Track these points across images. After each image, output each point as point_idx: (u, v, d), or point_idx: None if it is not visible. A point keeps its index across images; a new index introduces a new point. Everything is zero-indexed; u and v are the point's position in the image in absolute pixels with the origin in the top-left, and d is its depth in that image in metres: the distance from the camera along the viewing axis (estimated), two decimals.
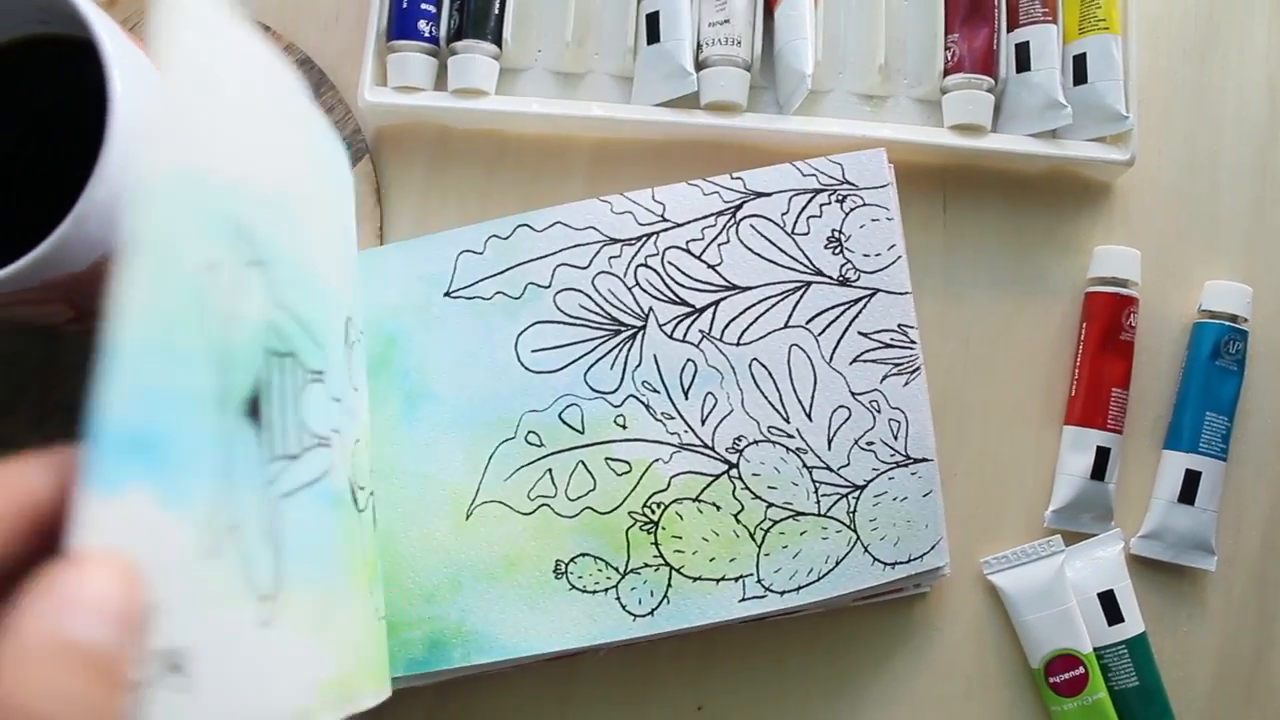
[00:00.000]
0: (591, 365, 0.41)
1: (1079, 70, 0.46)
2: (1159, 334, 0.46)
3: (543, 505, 0.40)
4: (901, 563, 0.40)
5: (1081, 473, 0.44)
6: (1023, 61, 0.46)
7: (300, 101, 0.33)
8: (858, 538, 0.40)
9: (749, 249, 0.41)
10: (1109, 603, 0.42)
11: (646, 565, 0.40)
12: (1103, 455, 0.44)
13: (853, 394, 0.40)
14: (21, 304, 0.35)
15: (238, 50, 0.28)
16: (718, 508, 0.40)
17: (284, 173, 0.31)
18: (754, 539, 0.40)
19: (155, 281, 0.23)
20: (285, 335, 0.29)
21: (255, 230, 0.28)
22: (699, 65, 0.45)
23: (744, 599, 0.39)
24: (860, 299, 0.41)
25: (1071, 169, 0.46)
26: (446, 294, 0.42)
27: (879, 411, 0.40)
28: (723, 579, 0.40)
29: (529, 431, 0.41)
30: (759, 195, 0.41)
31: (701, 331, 0.41)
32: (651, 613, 0.39)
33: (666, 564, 0.40)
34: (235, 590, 0.25)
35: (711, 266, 0.41)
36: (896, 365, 0.41)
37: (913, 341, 0.41)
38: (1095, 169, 0.46)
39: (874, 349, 0.41)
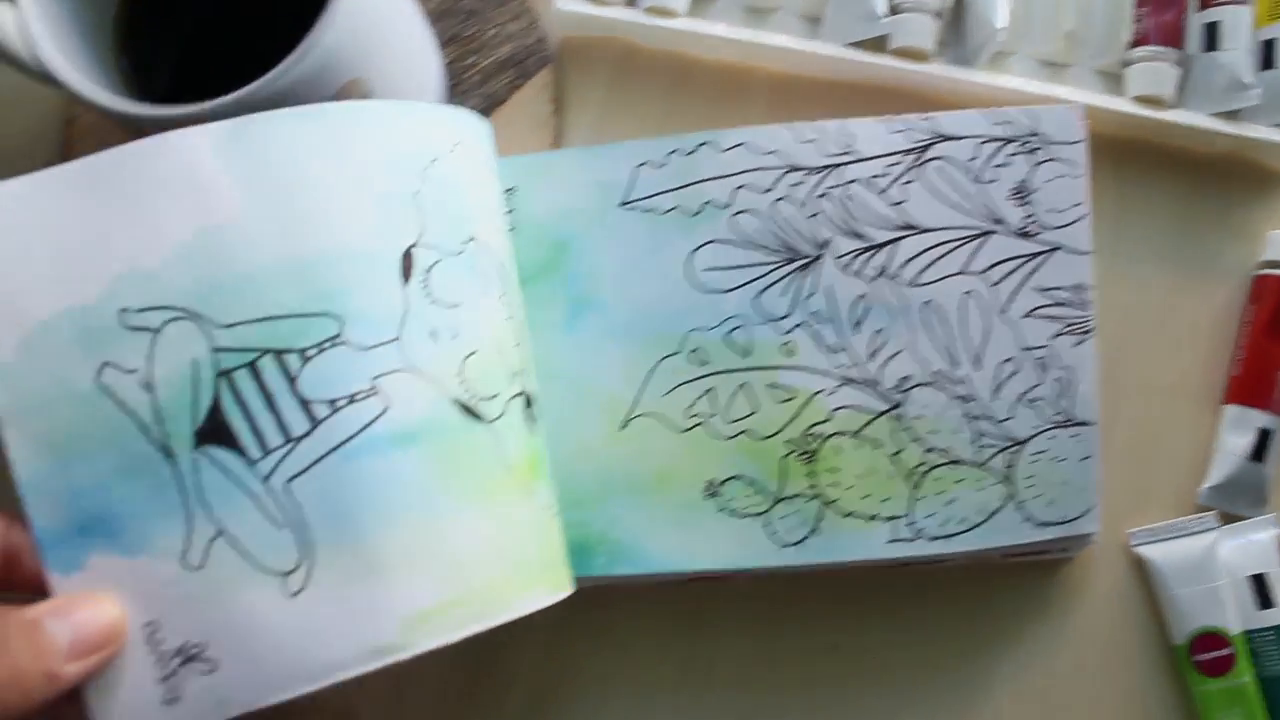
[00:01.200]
0: (763, 290, 0.39)
1: (1267, 56, 0.44)
2: None
3: (699, 424, 0.39)
4: (1053, 524, 0.38)
5: (1241, 453, 0.42)
6: (1211, 41, 0.44)
7: None
8: (1013, 493, 0.38)
9: (933, 191, 0.40)
10: (1260, 587, 0.41)
11: (799, 495, 0.38)
12: (1264, 437, 0.42)
13: (1022, 348, 0.39)
14: None
15: None
16: (877, 445, 0.39)
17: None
18: (909, 482, 0.38)
19: (30, 429, 0.31)
20: (244, 344, 0.31)
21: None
22: (891, 10, 0.44)
23: (893, 540, 0.38)
24: (1040, 254, 0.39)
25: (1250, 153, 0.45)
26: (622, 204, 0.40)
27: (1047, 369, 0.39)
28: (874, 518, 0.38)
29: (693, 349, 0.39)
30: (947, 138, 0.40)
31: (878, 268, 0.39)
32: (800, 543, 0.38)
33: (819, 496, 0.38)
34: (242, 581, 0.31)
35: (894, 204, 0.40)
36: (1070, 324, 0.39)
37: (1088, 302, 0.39)
38: (1274, 154, 0.45)
39: (1048, 305, 0.39)
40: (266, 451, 0.31)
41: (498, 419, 0.35)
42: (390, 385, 0.32)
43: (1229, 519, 0.42)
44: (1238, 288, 0.44)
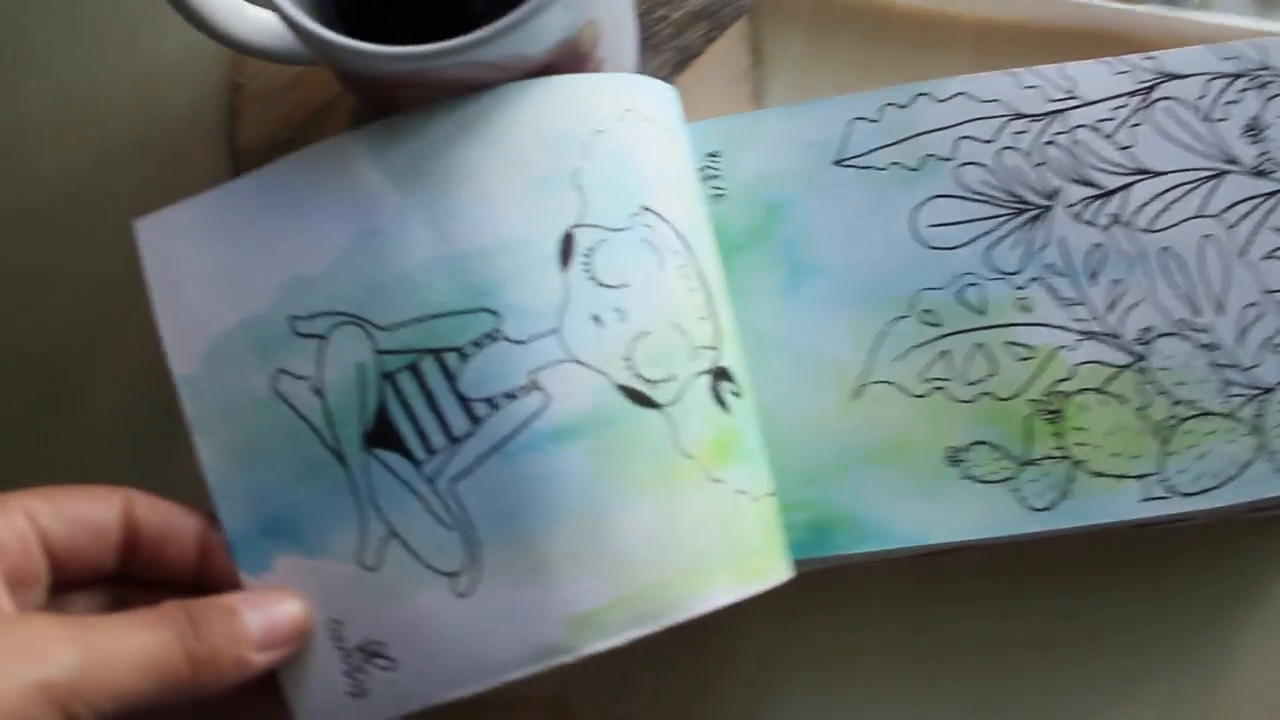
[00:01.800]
0: (994, 244, 0.37)
1: None
2: None
3: (937, 388, 0.37)
4: None
5: None
6: None
7: None
8: (1264, 444, 0.36)
9: (1162, 132, 0.38)
10: None
11: (1048, 458, 0.36)
12: None
13: (1266, 291, 0.37)
14: (457, 86, 0.32)
15: None
16: (1123, 401, 0.37)
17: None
18: (1159, 437, 0.36)
19: (217, 436, 0.32)
20: (406, 345, 0.31)
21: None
22: None
23: (1146, 499, 0.36)
24: (1277, 192, 0.37)
25: None
26: (837, 162, 0.38)
27: None
28: (1125, 476, 0.36)
29: (925, 310, 0.37)
30: (1173, 77, 0.38)
31: (1112, 215, 0.37)
32: (1051, 507, 0.36)
33: (1068, 457, 0.36)
34: (414, 581, 0.31)
35: (1123, 148, 0.38)
36: None
37: None
38: None
39: None
40: (431, 453, 0.31)
41: (674, 403, 0.32)
42: (551, 378, 0.31)
43: None
44: None
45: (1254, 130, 0.37)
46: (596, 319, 0.31)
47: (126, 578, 0.32)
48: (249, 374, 0.32)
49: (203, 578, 0.33)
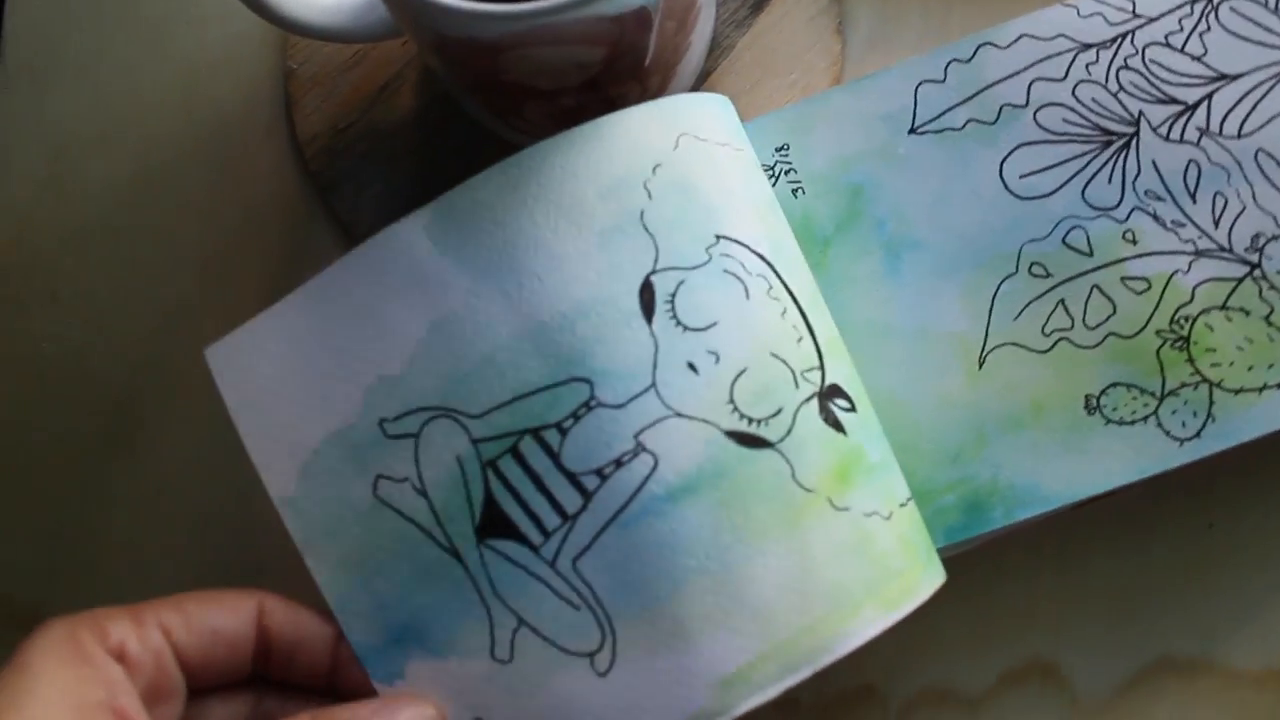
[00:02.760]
0: (1088, 182, 0.36)
1: None
2: None
3: (1061, 339, 0.35)
4: None
5: None
6: None
7: None
8: None
9: (1233, 33, 0.36)
10: None
11: (1184, 385, 0.35)
12: None
13: None
14: (575, 41, 0.31)
15: None
16: (1247, 312, 0.35)
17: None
18: None
19: (328, 553, 0.31)
20: (501, 430, 0.30)
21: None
22: None
23: None
24: None
25: None
26: (911, 131, 0.36)
27: None
28: (1265, 387, 0.35)
29: (1032, 263, 0.36)
30: None
31: (1199, 129, 0.36)
32: (1198, 434, 0.35)
33: (1205, 380, 0.35)
34: (551, 667, 0.29)
35: (1196, 58, 0.36)
36: None
37: None
38: None
39: None
40: (547, 535, 0.30)
41: (785, 437, 0.30)
42: (655, 438, 0.29)
43: None
44: None
45: None
46: (691, 366, 0.30)
47: (263, 680, 0.31)
48: (349, 486, 0.31)
49: (337, 681, 0.32)
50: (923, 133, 0.36)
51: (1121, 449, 0.35)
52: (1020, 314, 0.35)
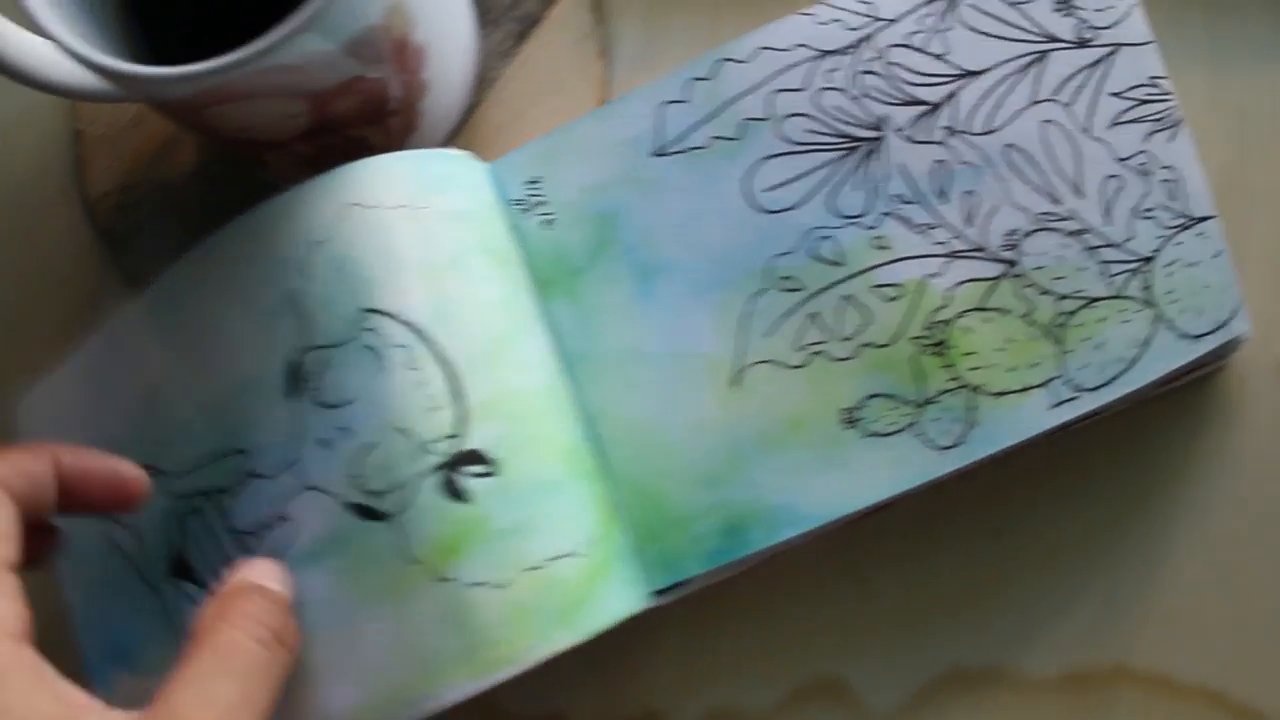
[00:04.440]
0: (834, 190, 0.34)
1: None
2: None
3: (815, 353, 0.34)
4: (1209, 333, 0.33)
5: None
6: None
7: None
8: (1159, 314, 0.33)
9: (974, 29, 0.34)
10: None
11: (944, 391, 0.33)
12: None
13: (1119, 160, 0.34)
14: (268, 95, 0.30)
15: None
16: (1005, 312, 0.33)
17: None
18: (1051, 337, 0.33)
19: (77, 575, 0.36)
20: (191, 489, 0.33)
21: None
22: None
23: (1056, 404, 0.33)
24: (1103, 58, 0.34)
25: None
26: (657, 153, 0.35)
27: (1150, 174, 0.34)
28: (1028, 388, 0.33)
29: (781, 277, 0.34)
30: None
31: (945, 128, 0.34)
32: (960, 441, 0.33)
33: (965, 385, 0.33)
34: None
35: (939, 57, 0.34)
36: (1157, 121, 0.34)
37: (1167, 93, 0.34)
38: None
39: (1130, 107, 0.34)
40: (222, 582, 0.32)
41: (402, 511, 0.30)
42: (297, 507, 0.31)
43: None
44: None
45: (1064, 3, 0.34)
46: (325, 443, 0.31)
47: None
48: (95, 525, 0.34)
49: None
50: (669, 154, 0.35)
51: (882, 461, 0.33)
52: (773, 330, 0.34)
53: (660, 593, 0.34)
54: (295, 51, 0.28)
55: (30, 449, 0.31)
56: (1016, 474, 0.36)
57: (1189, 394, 0.36)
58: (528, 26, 0.38)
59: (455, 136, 0.38)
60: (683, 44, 0.38)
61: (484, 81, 0.38)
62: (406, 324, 0.31)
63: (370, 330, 0.31)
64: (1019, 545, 0.36)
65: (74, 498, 0.32)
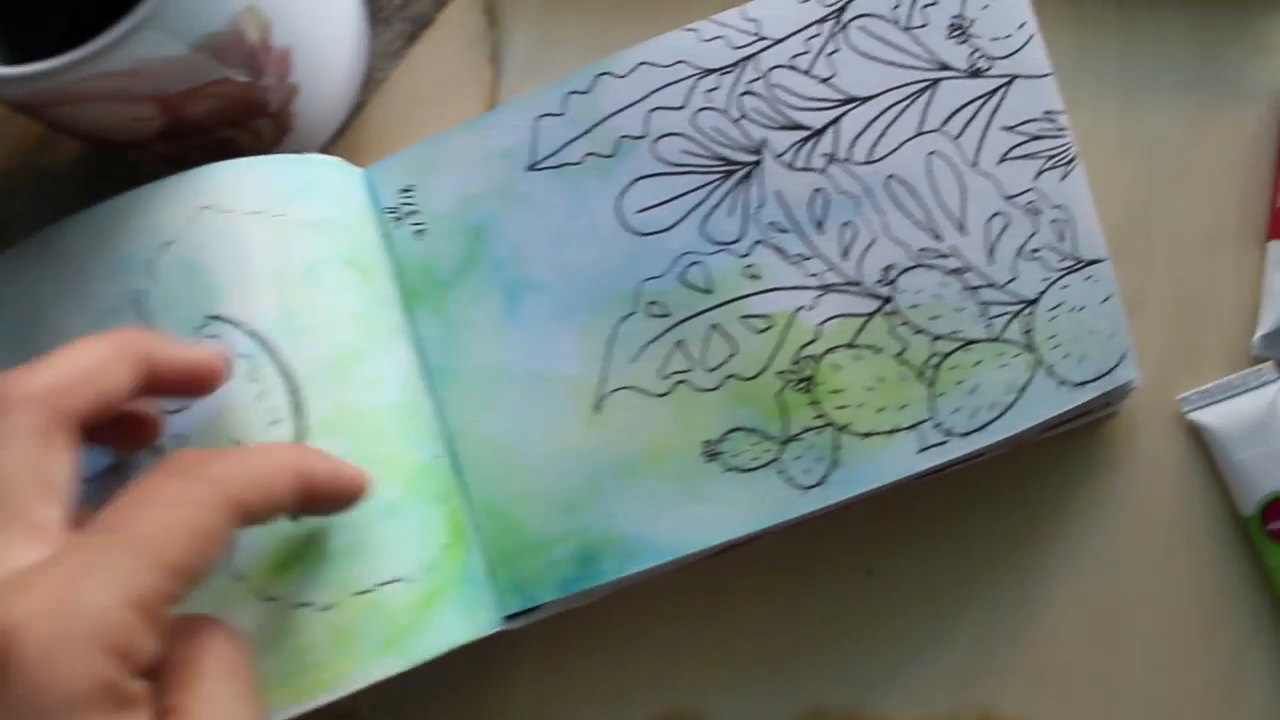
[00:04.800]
0: (708, 215, 0.33)
1: None
2: None
3: (679, 382, 0.33)
4: (1090, 380, 0.32)
5: None
6: None
7: None
8: (1039, 359, 0.32)
9: (862, 54, 0.33)
10: None
11: (808, 429, 0.32)
12: None
13: (1007, 197, 0.32)
14: (109, 98, 0.29)
15: None
16: (877, 350, 0.32)
17: None
18: (924, 379, 0.32)
19: None
20: None
21: None
22: None
23: (923, 449, 0.32)
24: (997, 89, 0.32)
25: None
26: (530, 167, 0.34)
27: (1039, 213, 0.32)
28: (896, 430, 0.32)
29: (649, 302, 0.33)
30: None
31: (825, 155, 0.33)
32: (822, 481, 0.32)
33: (830, 423, 0.32)
34: None
35: (824, 80, 0.33)
36: (1050, 158, 0.32)
37: (1063, 129, 0.32)
38: None
39: (1022, 142, 0.32)
40: None
41: None
42: None
43: None
44: (1269, 110, 0.36)
45: (959, 29, 0.32)
46: (156, 450, 0.30)
47: None
48: None
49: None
50: (542, 169, 0.33)
51: (742, 498, 0.32)
52: (638, 356, 0.33)
53: (513, 617, 0.33)
54: (130, 55, 0.27)
55: (114, 346, 0.26)
56: (892, 511, 0.35)
57: (1076, 440, 0.35)
58: (419, 27, 0.37)
59: (339, 138, 0.37)
60: (576, 52, 0.37)
61: (371, 82, 0.37)
62: (252, 334, 0.30)
63: (213, 337, 0.30)
64: (891, 585, 0.35)
65: (158, 385, 0.28)
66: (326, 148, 0.36)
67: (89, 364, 0.25)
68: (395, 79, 0.37)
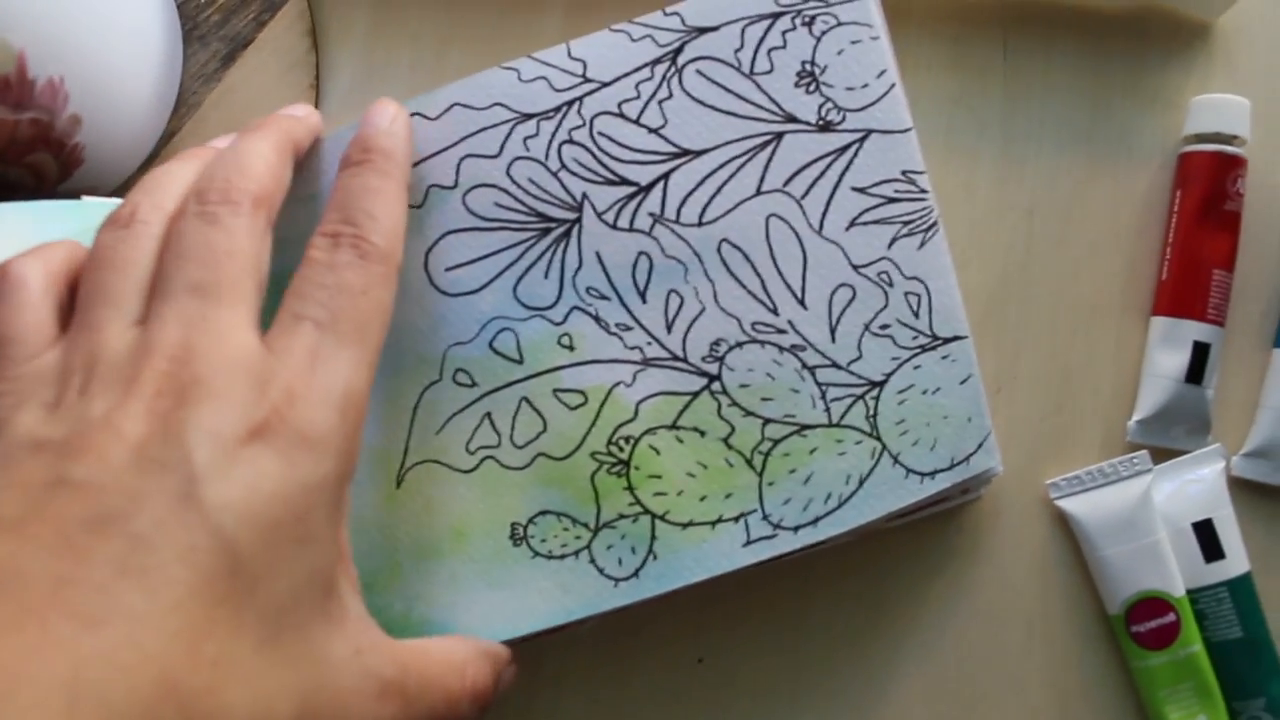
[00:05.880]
0: (521, 276, 0.29)
1: None
2: (1271, 204, 0.32)
3: (486, 458, 0.29)
4: (943, 470, 0.28)
5: (1174, 374, 0.31)
6: None
7: None
8: (884, 447, 0.28)
9: (699, 101, 0.29)
10: (1206, 535, 0.30)
11: (622, 516, 0.29)
12: (1200, 353, 0.31)
13: (855, 267, 0.29)
14: None
15: None
16: (702, 433, 0.29)
17: None
18: (752, 466, 0.29)
19: None
20: None
21: None
22: None
23: (749, 542, 0.28)
24: (849, 145, 0.29)
25: (1162, 6, 0.33)
26: None
27: (891, 285, 0.29)
28: (719, 521, 0.29)
29: (456, 370, 0.30)
30: (703, 31, 0.29)
31: (652, 215, 0.29)
32: (636, 574, 0.29)
33: (647, 511, 0.29)
34: None
35: (654, 131, 0.29)
36: (907, 224, 0.29)
37: (924, 191, 0.29)
38: (1192, 4, 0.33)
39: (875, 206, 0.29)
40: None
41: None
42: None
43: (1165, 455, 0.32)
44: (1162, 170, 0.32)
45: (809, 76, 0.29)
46: None
47: None
48: None
49: None
50: None
51: (549, 586, 0.29)
52: (443, 427, 0.29)
53: None
54: None
55: (282, 142, 0.27)
56: (726, 595, 0.32)
57: (934, 525, 0.32)
58: (236, 48, 0.33)
59: (149, 165, 0.33)
60: (405, 80, 0.33)
61: (185, 106, 0.33)
62: None
63: None
64: (723, 676, 0.32)
65: None
66: (132, 178, 0.33)
67: (276, 164, 0.26)
68: (209, 104, 0.33)
